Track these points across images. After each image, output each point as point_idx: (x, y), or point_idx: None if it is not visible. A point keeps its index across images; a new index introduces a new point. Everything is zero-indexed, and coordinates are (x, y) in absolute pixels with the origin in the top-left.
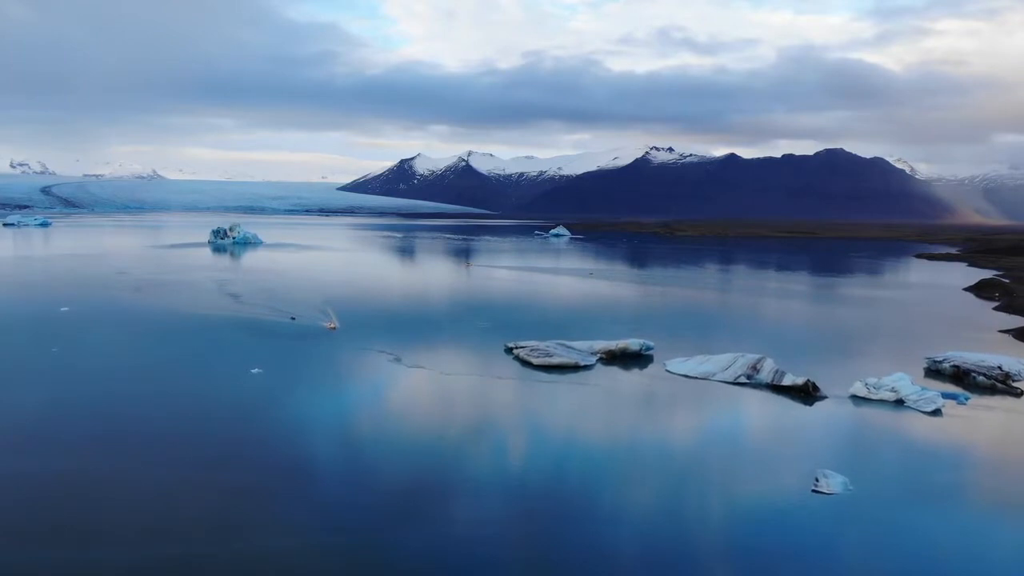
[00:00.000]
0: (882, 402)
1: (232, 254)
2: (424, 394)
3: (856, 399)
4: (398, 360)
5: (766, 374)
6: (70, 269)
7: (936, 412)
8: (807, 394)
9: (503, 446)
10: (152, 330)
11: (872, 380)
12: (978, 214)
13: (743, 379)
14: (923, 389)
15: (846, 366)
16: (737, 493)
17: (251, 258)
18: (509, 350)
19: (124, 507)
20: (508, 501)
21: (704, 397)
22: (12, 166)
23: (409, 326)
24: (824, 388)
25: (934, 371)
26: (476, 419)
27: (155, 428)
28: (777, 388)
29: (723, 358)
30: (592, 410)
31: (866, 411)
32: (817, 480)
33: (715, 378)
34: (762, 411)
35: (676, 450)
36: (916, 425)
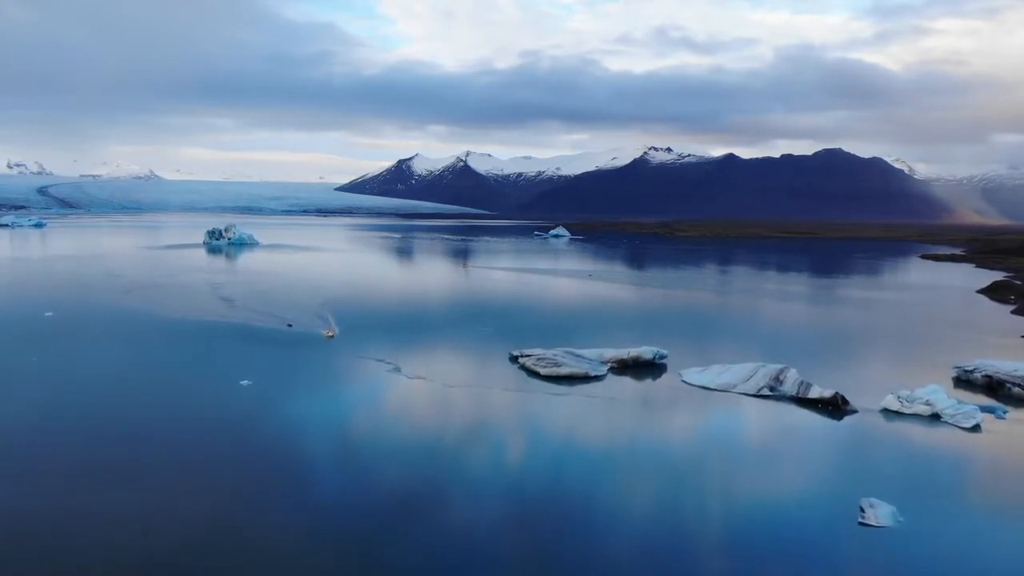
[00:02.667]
0: (916, 416)
1: (228, 255)
2: (426, 409)
3: (888, 413)
4: (397, 370)
5: (790, 385)
6: (59, 271)
7: (976, 428)
8: (836, 408)
9: (516, 469)
10: (139, 337)
11: (905, 393)
12: (977, 214)
13: (766, 391)
14: (959, 403)
15: (871, 375)
16: (778, 525)
17: (247, 260)
18: (514, 358)
19: (91, 537)
20: (526, 531)
21: (727, 411)
22: (9, 166)
23: (409, 332)
24: (852, 400)
25: (965, 381)
26: (484, 438)
27: (129, 447)
28: (803, 401)
29: (743, 368)
30: (608, 427)
31: (902, 427)
32: (863, 510)
33: (736, 390)
34: (791, 428)
35: (705, 474)
36: (958, 443)
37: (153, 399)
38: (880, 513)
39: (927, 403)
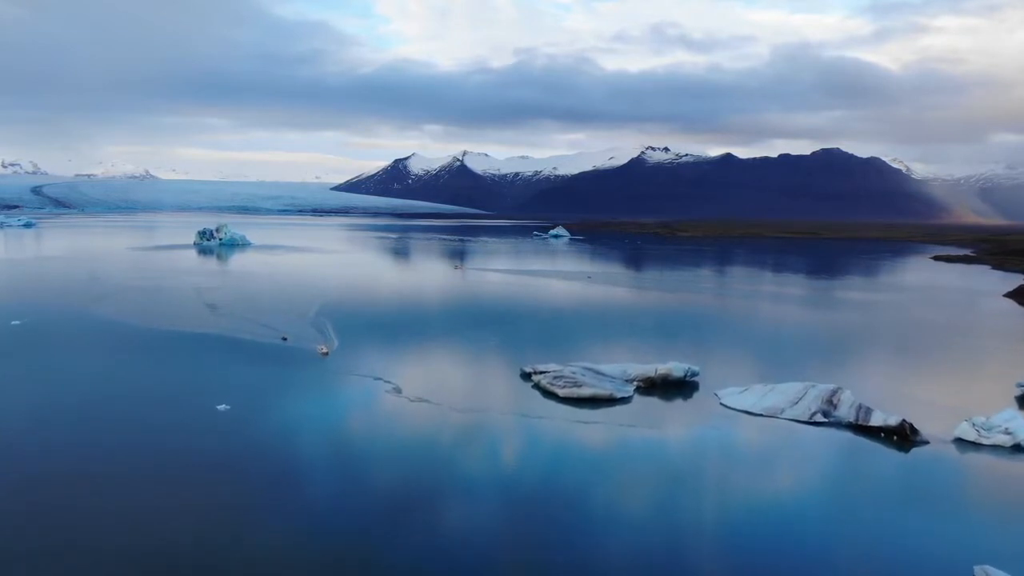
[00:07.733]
0: (997, 448)
1: (218, 256)
2: (432, 442)
3: (963, 444)
4: (398, 391)
5: (846, 410)
6: (39, 274)
7: None
8: (903, 437)
9: (547, 525)
10: (110, 350)
11: (980, 419)
12: (974, 214)
13: (819, 416)
14: None
15: (928, 395)
16: None
17: (238, 261)
18: (527, 375)
19: None
20: None
21: (781, 444)
22: (3, 166)
23: (409, 343)
24: (919, 427)
25: None
26: (502, 481)
27: (62, 481)
28: (863, 429)
29: (789, 388)
30: (648, 466)
31: (984, 461)
32: None
33: (784, 415)
34: (859, 465)
35: (781, 535)
36: None
37: (108, 423)
38: None
39: (1007, 432)
